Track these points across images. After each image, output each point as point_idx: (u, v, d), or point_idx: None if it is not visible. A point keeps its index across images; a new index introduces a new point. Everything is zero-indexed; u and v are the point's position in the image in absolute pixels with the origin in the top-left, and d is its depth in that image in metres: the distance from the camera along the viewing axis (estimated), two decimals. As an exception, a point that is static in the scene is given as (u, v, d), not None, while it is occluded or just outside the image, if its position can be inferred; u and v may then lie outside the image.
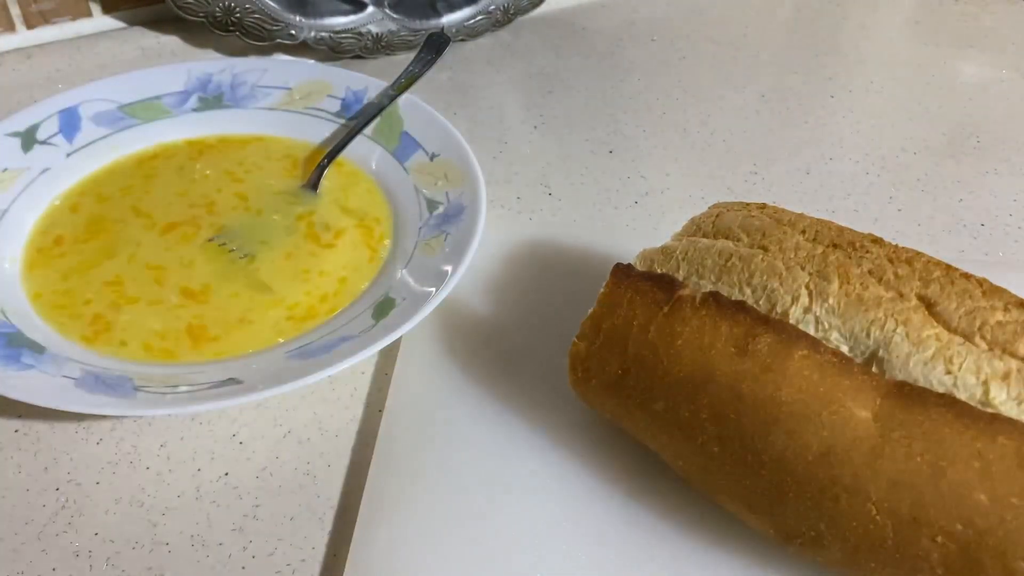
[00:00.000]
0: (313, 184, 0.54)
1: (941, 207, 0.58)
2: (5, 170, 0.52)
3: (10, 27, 0.68)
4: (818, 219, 0.38)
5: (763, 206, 0.40)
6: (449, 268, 0.46)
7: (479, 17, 0.71)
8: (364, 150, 0.56)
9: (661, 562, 0.37)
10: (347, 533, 0.39)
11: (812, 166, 0.61)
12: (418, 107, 0.57)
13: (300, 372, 0.40)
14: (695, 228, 0.41)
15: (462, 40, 0.72)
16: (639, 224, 0.56)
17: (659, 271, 0.38)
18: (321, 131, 0.58)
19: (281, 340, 0.45)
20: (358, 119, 0.57)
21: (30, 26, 0.69)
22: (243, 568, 0.38)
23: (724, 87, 0.69)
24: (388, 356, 0.46)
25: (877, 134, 0.64)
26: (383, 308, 0.45)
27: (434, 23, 0.70)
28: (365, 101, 0.58)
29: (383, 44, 0.69)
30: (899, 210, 0.57)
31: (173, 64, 0.59)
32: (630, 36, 0.75)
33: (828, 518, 0.32)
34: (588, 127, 0.64)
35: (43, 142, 0.54)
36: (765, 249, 0.37)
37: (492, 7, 0.72)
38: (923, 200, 0.58)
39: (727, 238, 0.39)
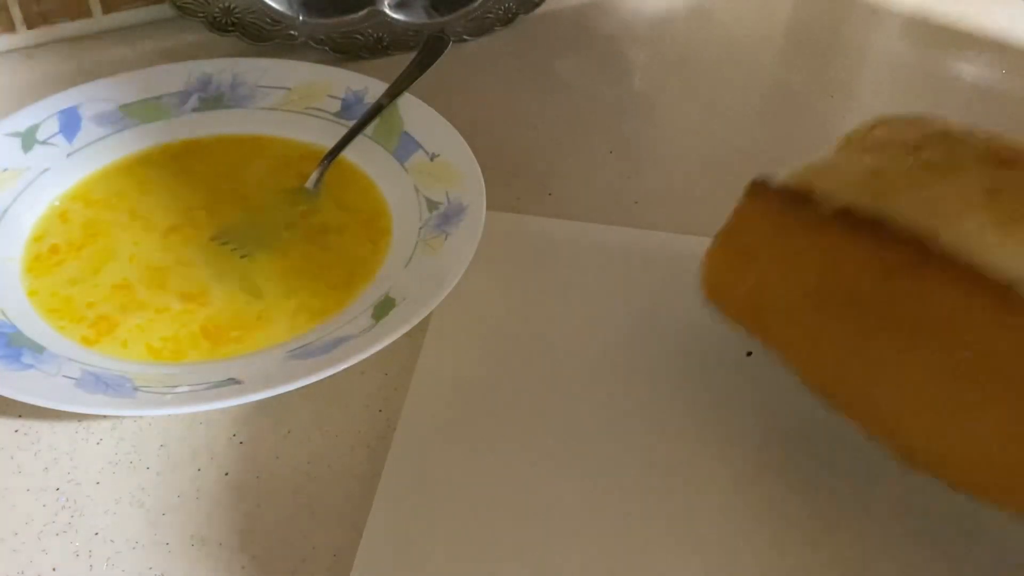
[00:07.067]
0: (313, 184, 0.54)
1: (941, 207, 0.58)
2: (5, 170, 0.52)
3: (10, 27, 0.68)
4: (989, 133, 0.35)
5: (923, 119, 0.38)
6: (449, 268, 0.46)
7: (479, 17, 0.71)
8: (364, 150, 0.56)
9: (680, 565, 0.37)
10: (347, 534, 0.39)
11: (812, 166, 0.61)
12: (418, 107, 0.57)
13: (300, 372, 0.40)
14: (846, 143, 0.39)
15: (462, 40, 0.72)
16: (639, 224, 0.56)
17: (799, 187, 0.37)
18: (321, 131, 0.58)
19: (281, 340, 0.45)
20: (358, 119, 0.57)
21: (31, 26, 0.69)
22: (243, 568, 0.38)
23: (724, 87, 0.69)
24: (388, 356, 0.46)
25: (877, 134, 0.64)
26: (383, 308, 0.45)
27: (434, 23, 0.70)
28: (365, 101, 0.58)
29: (383, 44, 0.69)
30: (899, 210, 0.57)
31: (173, 64, 0.59)
32: (630, 36, 0.75)
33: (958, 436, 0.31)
34: (588, 127, 0.64)
35: (43, 142, 0.54)
36: (922, 166, 0.35)
37: (492, 6, 0.71)
38: (923, 200, 0.58)
39: (881, 152, 0.37)
